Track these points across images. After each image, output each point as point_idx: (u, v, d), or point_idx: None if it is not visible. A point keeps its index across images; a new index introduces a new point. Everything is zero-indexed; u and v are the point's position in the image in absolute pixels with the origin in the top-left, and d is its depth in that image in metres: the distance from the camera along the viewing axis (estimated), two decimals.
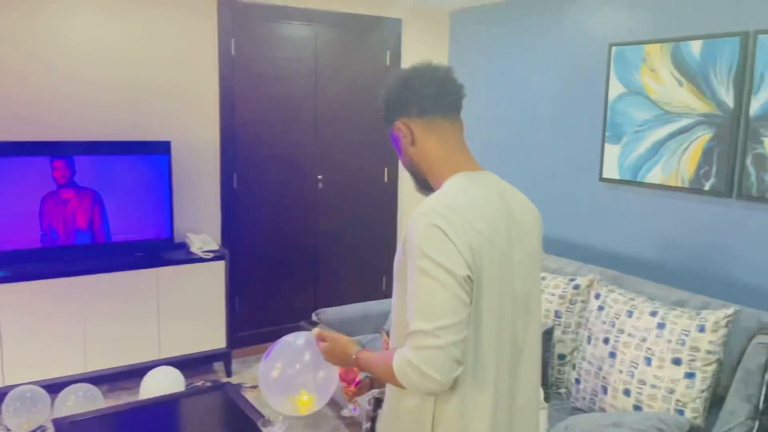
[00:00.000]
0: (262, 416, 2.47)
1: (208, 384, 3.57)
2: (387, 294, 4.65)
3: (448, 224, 1.22)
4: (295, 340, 1.51)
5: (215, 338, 3.64)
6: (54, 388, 3.17)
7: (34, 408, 3.03)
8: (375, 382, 1.80)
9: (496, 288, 1.28)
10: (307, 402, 1.46)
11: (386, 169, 4.55)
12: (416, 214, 1.27)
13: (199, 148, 3.85)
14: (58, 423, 2.44)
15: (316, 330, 1.50)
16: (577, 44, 3.59)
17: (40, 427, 3.08)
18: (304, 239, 4.31)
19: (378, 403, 2.50)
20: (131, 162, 3.45)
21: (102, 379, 3.32)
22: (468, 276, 1.21)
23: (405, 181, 4.62)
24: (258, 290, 4.18)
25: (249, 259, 4.10)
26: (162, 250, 3.57)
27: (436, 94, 1.37)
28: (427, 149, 1.40)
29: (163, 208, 3.54)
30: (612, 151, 3.39)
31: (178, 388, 3.24)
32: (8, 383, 3.13)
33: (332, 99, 4.27)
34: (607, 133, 3.41)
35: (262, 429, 2.16)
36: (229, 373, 3.71)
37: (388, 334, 1.49)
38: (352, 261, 4.52)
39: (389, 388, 1.38)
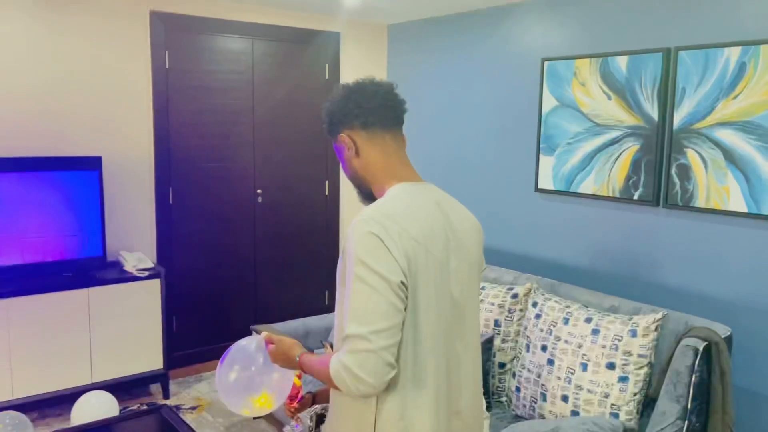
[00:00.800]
0: None
1: (144, 407, 3.45)
2: (330, 308, 4.62)
3: (384, 231, 1.26)
4: (249, 343, 1.56)
5: (151, 359, 3.52)
6: None
7: None
8: (317, 397, 1.78)
9: (433, 294, 1.32)
10: (266, 402, 1.51)
11: (327, 182, 4.54)
12: (355, 222, 1.31)
13: (133, 163, 3.74)
14: None
15: (264, 333, 1.53)
16: (512, 58, 3.68)
17: None
18: (243, 255, 4.24)
19: (321, 418, 2.47)
20: (60, 178, 3.31)
21: (31, 406, 3.16)
22: (402, 282, 1.25)
23: (346, 195, 4.61)
24: (195, 308, 4.07)
25: (185, 277, 3.99)
26: (94, 269, 3.43)
27: (379, 108, 1.42)
28: (370, 160, 1.44)
29: (94, 226, 3.41)
30: (546, 163, 3.48)
31: (112, 413, 3.11)
32: None
33: (271, 112, 4.23)
34: (541, 145, 3.51)
35: None
36: (167, 395, 3.58)
37: (331, 346, 1.52)
38: (293, 276, 4.47)
39: (332, 391, 1.40)
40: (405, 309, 1.26)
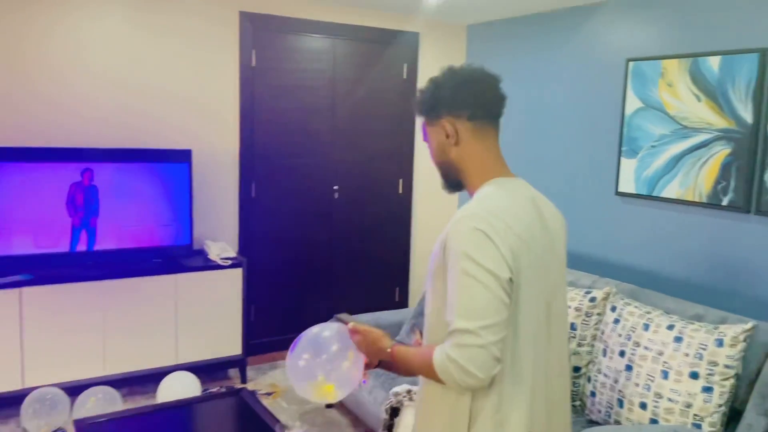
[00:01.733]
0: (278, 421, 2.50)
1: (223, 390, 3.61)
2: (401, 304, 4.68)
3: (491, 228, 1.27)
4: (322, 331, 1.55)
5: (231, 345, 3.68)
6: (73, 390, 3.22)
7: (53, 410, 3.07)
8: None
9: (534, 290, 1.33)
10: (330, 390, 1.51)
11: (401, 180, 4.59)
12: (459, 218, 1.31)
13: (219, 157, 3.91)
14: (79, 424, 2.47)
15: (351, 324, 1.53)
16: (594, 58, 3.62)
17: (59, 429, 3.12)
18: (319, 249, 4.35)
19: (395, 411, 2.53)
20: (153, 170, 3.51)
21: (120, 383, 3.37)
22: (509, 278, 1.26)
23: (419, 193, 4.65)
24: (272, 299, 4.21)
25: (264, 268, 4.14)
26: (181, 256, 3.62)
27: (489, 101, 1.43)
28: (469, 152, 1.43)
29: (182, 216, 3.59)
30: (628, 165, 3.41)
31: (194, 393, 3.27)
32: (28, 385, 3.17)
33: (349, 110, 4.32)
34: (623, 148, 3.43)
35: None
36: (244, 380, 3.73)
37: (421, 333, 1.52)
38: (366, 271, 4.55)
39: (426, 383, 1.41)
40: (510, 304, 1.27)
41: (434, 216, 4.73)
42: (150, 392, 3.51)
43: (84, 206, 3.35)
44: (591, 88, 3.64)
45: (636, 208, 3.40)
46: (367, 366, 1.51)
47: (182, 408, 2.73)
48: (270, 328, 4.22)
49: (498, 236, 1.26)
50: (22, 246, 3.22)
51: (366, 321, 3.43)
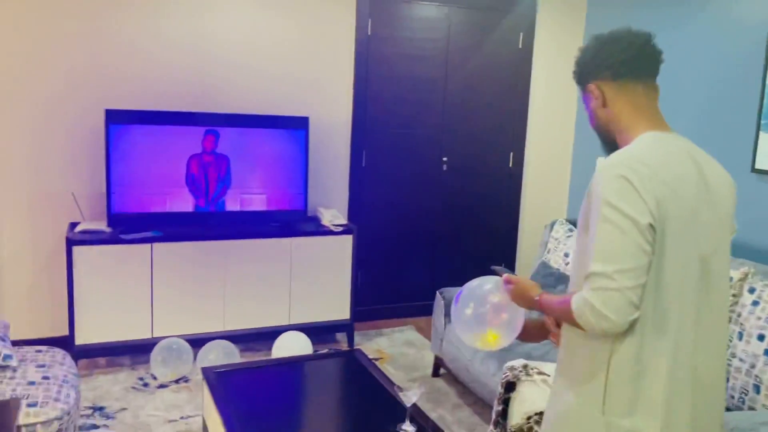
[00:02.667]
0: (393, 384, 2.52)
1: (333, 351, 3.71)
2: None
3: (634, 174, 1.25)
4: (483, 283, 1.62)
5: (340, 309, 3.76)
6: (196, 342, 3.41)
7: (179, 359, 3.27)
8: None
9: (681, 242, 1.28)
10: (495, 338, 1.59)
11: (512, 154, 4.49)
12: (602, 167, 1.30)
13: (332, 126, 3.98)
14: (207, 372, 2.61)
15: (505, 274, 1.60)
16: (730, 28, 3.35)
17: (183, 377, 3.32)
18: (426, 219, 4.35)
19: (510, 386, 2.48)
20: (273, 136, 3.62)
21: (238, 338, 3.53)
22: (650, 224, 1.24)
23: (531, 168, 4.53)
24: (378, 267, 4.26)
25: (372, 236, 4.19)
26: (296, 221, 3.72)
27: (632, 58, 1.42)
28: (617, 111, 1.43)
29: (299, 181, 3.69)
30: None
31: (307, 352, 3.38)
32: (156, 335, 3.39)
33: (462, 81, 4.26)
34: (763, 121, 3.18)
35: (399, 395, 2.21)
36: (351, 344, 3.82)
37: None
38: (471, 245, 4.51)
39: (567, 330, 1.41)
40: (653, 252, 1.24)
41: (544, 191, 4.60)
42: (264, 349, 3.66)
43: (210, 169, 3.51)
44: (725, 59, 3.38)
45: None
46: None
47: (299, 364, 2.82)
48: (375, 295, 4.28)
49: (641, 182, 1.24)
50: (154, 204, 3.42)
51: None
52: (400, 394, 2.20)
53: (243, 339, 3.58)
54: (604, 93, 1.43)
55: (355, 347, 3.83)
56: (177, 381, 3.30)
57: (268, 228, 3.62)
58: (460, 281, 4.45)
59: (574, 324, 1.27)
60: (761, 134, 3.19)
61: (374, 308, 4.29)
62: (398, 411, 2.30)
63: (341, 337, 3.95)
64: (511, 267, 4.63)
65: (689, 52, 3.60)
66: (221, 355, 3.26)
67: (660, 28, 3.80)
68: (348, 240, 3.73)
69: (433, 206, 4.35)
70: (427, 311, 4.44)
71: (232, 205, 3.58)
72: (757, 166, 3.21)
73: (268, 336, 3.59)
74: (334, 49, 3.90)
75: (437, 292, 3.41)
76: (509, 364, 2.48)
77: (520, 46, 4.35)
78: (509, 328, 1.57)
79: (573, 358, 1.39)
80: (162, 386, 3.24)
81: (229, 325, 3.53)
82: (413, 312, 4.42)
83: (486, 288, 1.60)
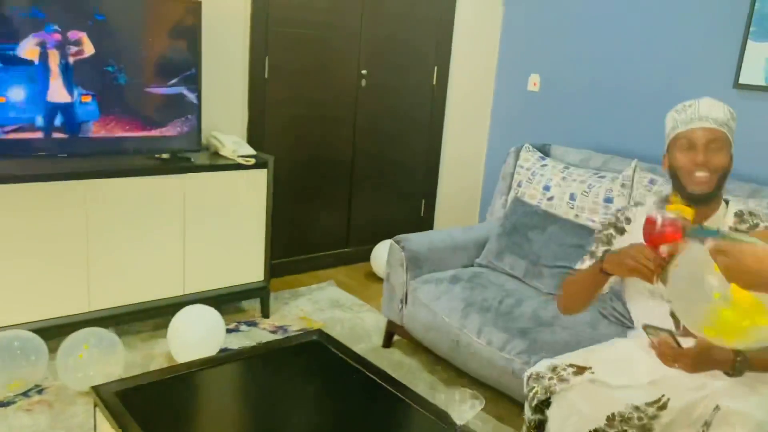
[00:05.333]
0: (444, 412, 1.70)
1: (243, 325, 2.80)
2: (425, 221, 3.95)
3: None
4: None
5: (251, 269, 2.84)
6: (49, 333, 2.31)
7: (26, 361, 2.16)
8: None
9: None
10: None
11: (436, 68, 3.75)
12: None
13: (225, 21, 2.90)
14: (103, 392, 1.62)
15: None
16: None
17: (35, 387, 2.23)
18: (340, 149, 3.50)
19: (540, 404, 1.73)
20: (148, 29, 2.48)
21: (109, 321, 2.47)
22: None
23: (455, 85, 3.84)
24: (284, 210, 3.35)
25: (277, 171, 3.25)
26: (187, 151, 2.66)
27: None
28: None
29: (187, 96, 2.61)
30: (757, 51, 2.76)
31: (218, 334, 2.46)
32: None
33: None
34: (752, 29, 2.78)
35: (448, 408, 1.45)
36: (266, 313, 2.93)
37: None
38: (390, 177, 3.76)
39: None
40: None
41: (468, 115, 3.96)
42: (154, 334, 2.65)
43: (66, 72, 2.30)
44: None
45: (763, 104, 2.79)
46: None
47: (250, 364, 1.89)
48: (282, 246, 3.38)
49: None
50: None
51: (441, 240, 2.71)
52: (450, 407, 1.45)
53: (118, 321, 2.52)
54: None
55: (270, 316, 2.94)
56: (25, 394, 2.20)
57: (149, 161, 2.54)
58: (378, 224, 3.74)
59: None
60: (750, 44, 2.79)
61: (282, 262, 3.40)
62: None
63: (250, 305, 3.02)
64: (431, 205, 3.97)
65: None
66: (95, 350, 2.20)
67: None
68: (261, 176, 2.77)
69: (349, 132, 3.50)
70: (342, 261, 3.65)
71: (92, 128, 2.42)
72: (742, 80, 2.83)
73: (155, 313, 2.58)
74: None
75: (392, 242, 2.63)
76: (531, 371, 1.73)
77: None
78: None
79: None
80: (2, 404, 2.13)
81: (97, 303, 2.45)
82: (327, 263, 3.61)
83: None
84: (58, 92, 2.30)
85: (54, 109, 2.30)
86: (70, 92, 2.32)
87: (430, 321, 2.40)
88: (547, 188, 2.73)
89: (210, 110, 2.94)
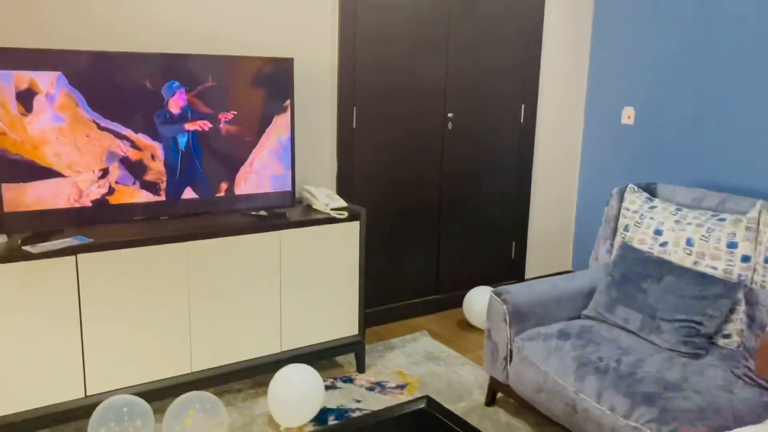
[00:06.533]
0: None
1: (338, 383, 2.73)
2: (518, 263, 3.80)
3: None
4: None
5: (346, 323, 2.77)
6: (153, 396, 2.31)
7: (133, 427, 2.16)
8: None
9: None
10: None
11: (523, 106, 3.63)
12: None
13: (314, 76, 2.91)
14: None
15: None
16: None
17: None
18: (428, 193, 3.42)
19: None
20: (241, 86, 2.50)
21: (210, 382, 2.46)
22: None
23: (544, 122, 3.71)
24: (374, 258, 3.30)
25: (367, 219, 3.20)
26: (282, 207, 2.65)
27: None
28: None
29: (282, 151, 2.61)
30: None
31: (318, 392, 2.39)
32: (92, 393, 2.24)
33: (466, 19, 3.32)
34: None
35: None
36: (361, 368, 2.85)
37: None
38: (479, 220, 3.64)
39: None
40: None
41: (558, 152, 3.81)
42: (247, 389, 2.62)
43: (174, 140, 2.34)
44: None
45: None
46: None
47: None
48: (374, 295, 3.32)
49: None
50: (72, 195, 2.22)
51: (545, 291, 2.56)
52: None
53: (219, 381, 2.50)
54: None
55: (366, 371, 2.86)
56: None
57: (245, 219, 2.54)
58: (469, 267, 3.61)
59: None
60: None
61: (372, 311, 3.33)
62: None
63: (345, 359, 2.96)
64: (522, 247, 3.82)
65: None
66: (201, 415, 2.18)
67: None
68: (354, 229, 2.72)
69: (436, 176, 3.42)
70: (432, 308, 3.55)
71: (190, 190, 2.44)
72: None
73: (254, 372, 2.55)
74: None
75: (492, 294, 2.51)
76: None
77: None
78: None
79: None
80: None
81: (199, 364, 2.44)
82: (417, 311, 3.51)
83: None
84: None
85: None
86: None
87: (540, 382, 2.25)
88: (658, 232, 2.54)
89: (301, 163, 2.95)
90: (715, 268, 2.34)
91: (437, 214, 3.48)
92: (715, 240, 2.35)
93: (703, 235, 2.39)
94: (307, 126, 2.95)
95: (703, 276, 2.32)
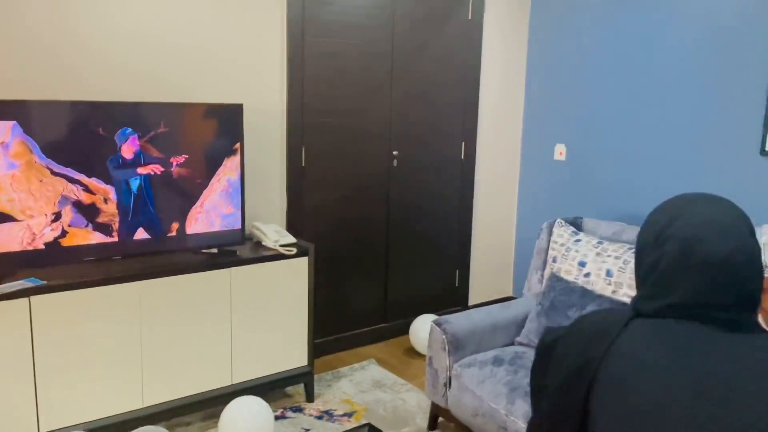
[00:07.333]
0: None
1: (288, 412, 2.84)
2: (461, 290, 4.00)
3: None
4: None
5: (295, 354, 2.90)
6: (105, 431, 2.38)
7: None
8: None
9: None
10: None
11: (464, 143, 3.86)
12: None
13: (263, 118, 3.06)
14: None
15: None
16: None
17: None
18: (375, 226, 3.59)
19: None
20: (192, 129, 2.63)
21: (163, 416, 2.54)
22: None
23: (483, 158, 3.95)
24: (322, 289, 3.44)
25: (316, 252, 3.35)
26: (232, 244, 2.77)
27: None
28: None
29: (231, 191, 2.74)
30: None
31: (268, 425, 2.50)
32: (45, 430, 2.30)
33: (410, 57, 3.54)
34: None
35: None
36: (310, 397, 2.97)
37: None
38: (425, 250, 3.83)
39: None
40: None
41: (497, 186, 4.05)
42: (197, 422, 2.70)
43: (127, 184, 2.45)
44: (721, 25, 3.01)
45: None
46: None
47: None
48: (322, 325, 3.45)
49: None
50: (25, 237, 2.30)
51: (480, 320, 2.74)
52: None
53: (171, 416, 2.58)
54: None
55: (315, 400, 2.98)
56: None
57: (197, 258, 2.65)
58: (415, 296, 3.79)
59: None
60: None
61: (321, 341, 3.46)
62: None
63: (295, 389, 3.07)
64: (465, 276, 4.02)
65: (675, 16, 3.20)
66: None
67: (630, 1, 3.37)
68: (303, 264, 2.86)
69: (383, 210, 3.60)
70: (380, 336, 3.70)
71: (142, 231, 2.55)
72: None
73: (205, 405, 2.64)
74: (262, 24, 2.98)
75: (433, 324, 2.68)
76: None
77: (470, 17, 3.72)
78: None
79: None
80: None
81: (150, 399, 2.52)
82: (366, 340, 3.65)
83: None
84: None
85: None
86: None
87: (476, 406, 2.42)
88: (582, 264, 2.77)
89: (252, 201, 3.08)
90: (631, 297, 2.57)
91: (384, 246, 3.65)
92: (631, 271, 2.59)
93: (620, 267, 2.63)
94: (257, 166, 3.09)
95: (622, 304, 2.54)
